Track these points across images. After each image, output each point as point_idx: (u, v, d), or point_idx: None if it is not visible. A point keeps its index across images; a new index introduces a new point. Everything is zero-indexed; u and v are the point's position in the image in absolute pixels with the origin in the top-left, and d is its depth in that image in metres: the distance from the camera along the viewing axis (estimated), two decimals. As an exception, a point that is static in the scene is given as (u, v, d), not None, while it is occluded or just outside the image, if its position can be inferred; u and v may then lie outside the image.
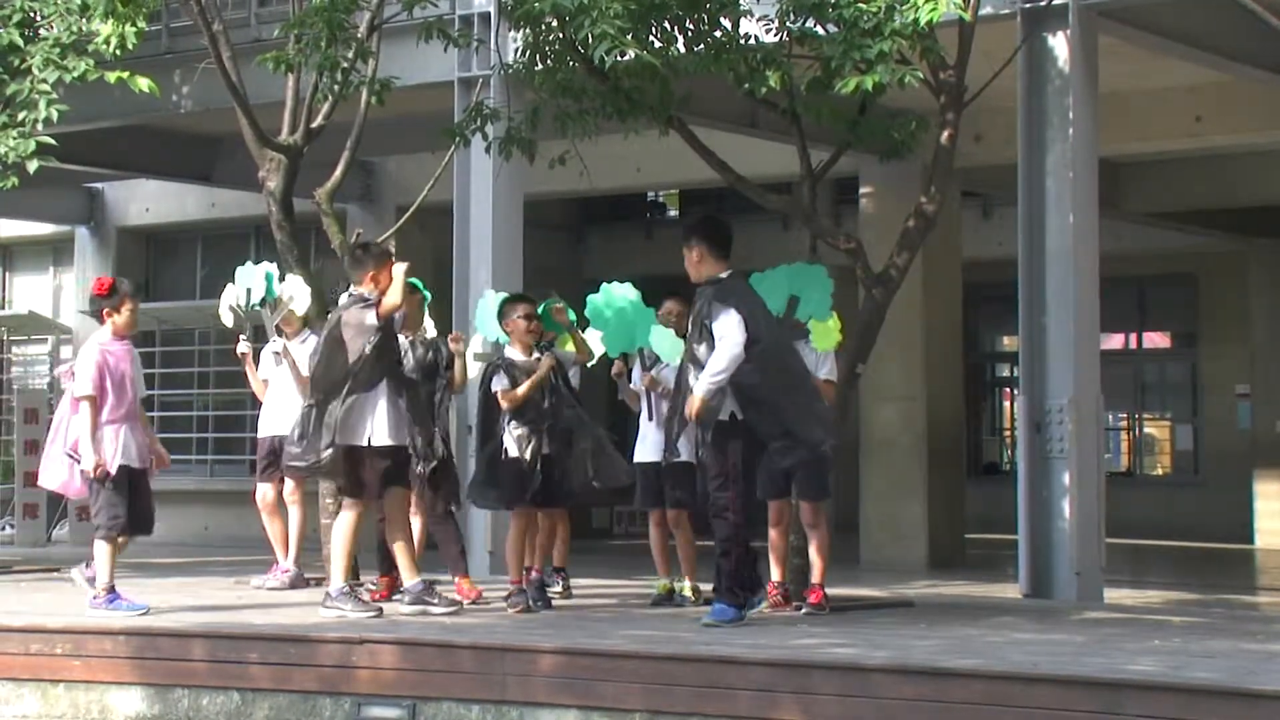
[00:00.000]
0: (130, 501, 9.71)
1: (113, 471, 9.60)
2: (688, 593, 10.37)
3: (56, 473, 10.13)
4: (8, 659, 8.88)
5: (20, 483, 18.45)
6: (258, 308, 11.76)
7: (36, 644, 8.88)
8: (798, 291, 9.92)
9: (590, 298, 10.57)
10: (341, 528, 9.68)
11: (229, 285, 11.95)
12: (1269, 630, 9.68)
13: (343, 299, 9.87)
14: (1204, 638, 8.91)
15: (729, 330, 8.97)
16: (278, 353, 11.79)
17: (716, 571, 9.34)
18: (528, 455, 9.79)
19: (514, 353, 10.07)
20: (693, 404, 9.09)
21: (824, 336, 9.90)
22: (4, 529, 18.66)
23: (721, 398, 9.06)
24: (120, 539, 9.78)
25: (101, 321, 9.82)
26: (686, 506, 10.34)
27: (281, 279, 11.78)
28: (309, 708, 8.18)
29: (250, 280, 11.84)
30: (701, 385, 9.03)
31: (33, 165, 11.67)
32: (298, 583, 11.76)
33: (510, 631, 8.72)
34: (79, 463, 9.66)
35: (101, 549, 9.65)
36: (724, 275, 9.25)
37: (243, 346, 11.91)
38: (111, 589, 9.57)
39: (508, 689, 7.81)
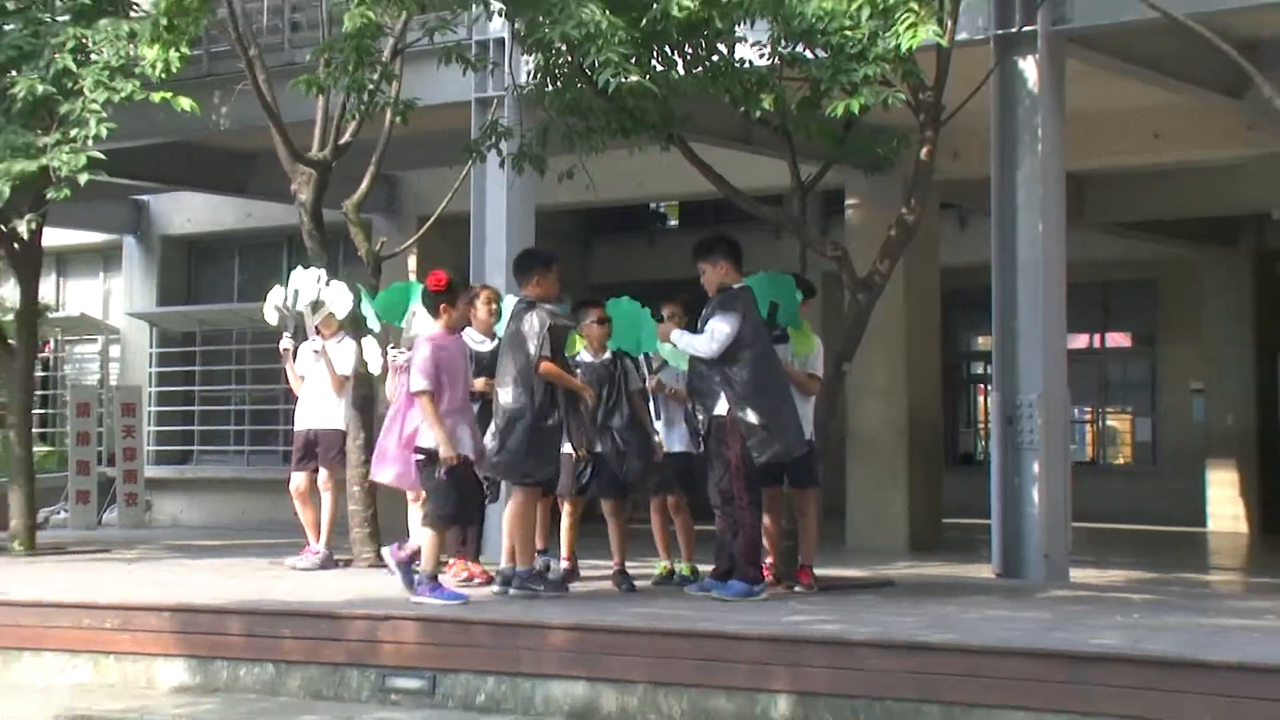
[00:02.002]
0: (461, 491, 9.26)
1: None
2: (686, 572, 10.36)
3: (392, 467, 9.78)
4: (63, 632, 8.90)
5: (73, 470, 18.46)
6: (301, 309, 11.75)
7: (88, 619, 8.90)
8: (777, 298, 9.93)
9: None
10: (527, 519, 9.48)
11: (276, 286, 11.95)
12: (1220, 606, 9.70)
13: (514, 303, 9.64)
14: (1162, 614, 8.92)
15: (718, 327, 9.24)
16: (317, 351, 11.80)
17: (718, 551, 9.47)
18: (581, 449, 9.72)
19: (586, 355, 10.02)
20: (667, 331, 9.62)
21: (801, 342, 9.92)
22: (59, 513, 18.66)
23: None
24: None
25: (437, 316, 9.35)
26: (685, 493, 10.35)
27: (328, 280, 11.79)
28: (338, 679, 8.18)
29: (300, 283, 11.83)
30: (683, 339, 9.47)
31: (83, 178, 11.65)
32: (328, 564, 11.77)
33: (523, 609, 8.70)
34: (421, 458, 9.22)
35: (429, 537, 9.21)
36: (736, 286, 9.45)
37: (285, 343, 11.92)
38: (434, 577, 9.14)
39: (521, 662, 7.81)
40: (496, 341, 10.33)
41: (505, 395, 9.39)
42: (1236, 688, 6.46)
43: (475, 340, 10.36)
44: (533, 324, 9.32)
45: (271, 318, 11.97)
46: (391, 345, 11.39)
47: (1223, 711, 6.43)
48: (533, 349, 9.27)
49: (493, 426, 9.53)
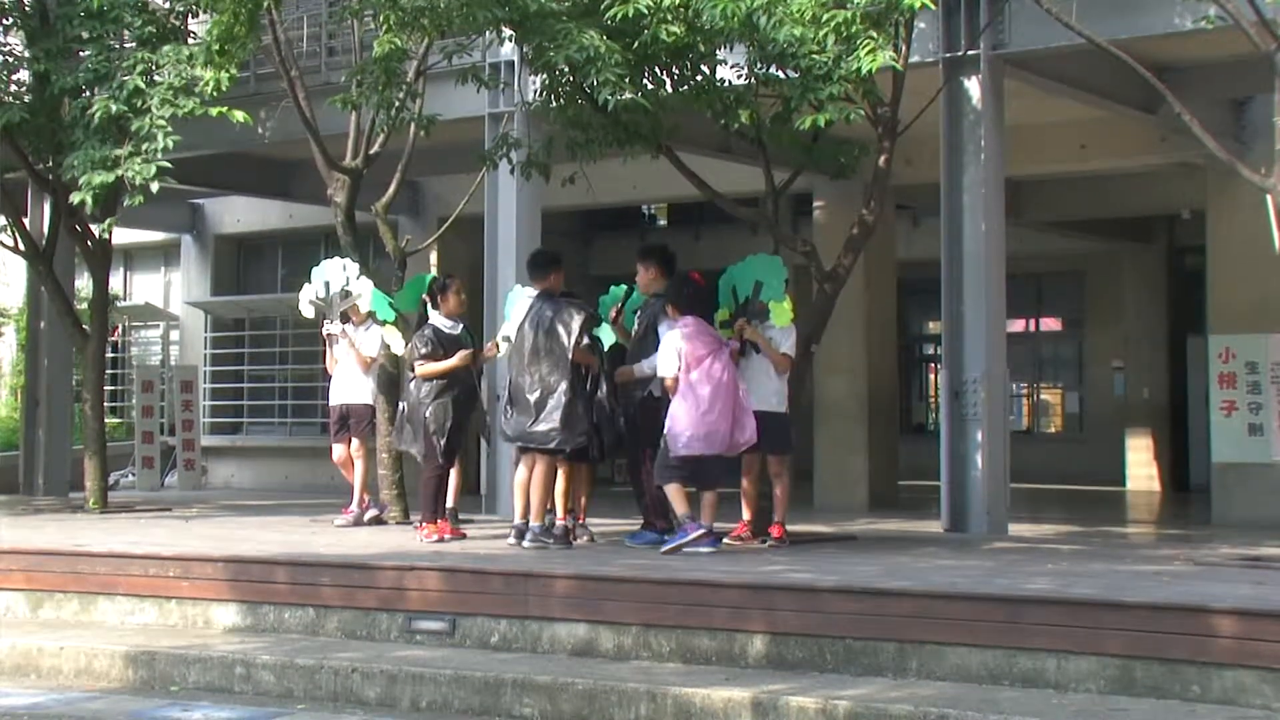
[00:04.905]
0: None
1: None
2: None
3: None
4: (132, 579, 8.90)
5: (139, 439, 18.46)
6: (337, 295, 11.71)
7: (154, 568, 8.89)
8: (762, 277, 9.93)
9: (602, 298, 10.56)
10: (548, 483, 9.55)
11: (306, 285, 11.87)
12: (1136, 555, 9.72)
13: (533, 296, 9.64)
14: (1086, 561, 8.94)
15: (669, 340, 9.35)
16: (331, 334, 11.74)
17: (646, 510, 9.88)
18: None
19: None
20: (628, 372, 9.78)
21: (781, 315, 9.89)
22: (127, 476, 18.67)
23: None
24: None
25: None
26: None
27: (360, 273, 11.75)
28: (370, 621, 8.18)
29: (327, 274, 11.79)
30: (641, 367, 9.67)
31: (155, 186, 11.56)
32: (360, 521, 11.76)
33: (532, 560, 8.70)
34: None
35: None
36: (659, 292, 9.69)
37: (332, 328, 11.82)
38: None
39: (530, 607, 7.80)
40: (461, 326, 10.34)
41: (539, 374, 9.39)
42: (1148, 624, 6.49)
43: (445, 325, 10.32)
44: (572, 317, 9.40)
45: (307, 311, 11.93)
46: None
47: (1137, 644, 6.46)
48: (572, 338, 9.33)
49: (509, 399, 9.56)
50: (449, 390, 10.13)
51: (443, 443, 10.13)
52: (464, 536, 10.25)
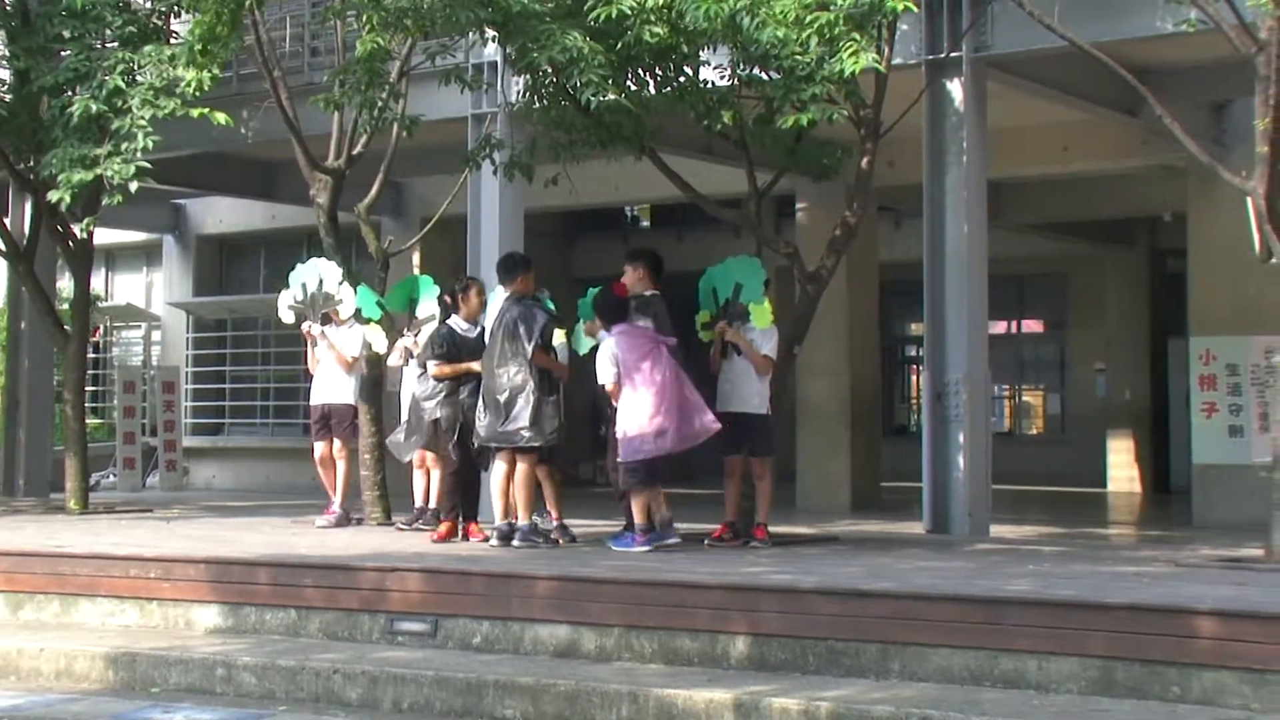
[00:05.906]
0: None
1: None
2: None
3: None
4: (113, 581, 8.85)
5: (121, 440, 18.40)
6: (317, 293, 11.68)
7: (135, 569, 8.85)
8: (742, 279, 9.94)
9: (581, 301, 10.56)
10: (530, 482, 9.64)
11: (283, 291, 11.85)
12: (1117, 556, 9.74)
13: (504, 298, 9.74)
14: (1067, 563, 8.95)
15: (604, 348, 9.50)
16: (308, 332, 11.72)
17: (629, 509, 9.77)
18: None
19: None
20: (594, 328, 9.89)
21: (761, 316, 9.90)
22: (108, 477, 18.60)
23: None
24: None
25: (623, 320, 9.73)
26: None
27: (342, 280, 11.71)
28: (352, 623, 8.15)
29: (304, 277, 11.77)
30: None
31: (133, 186, 11.55)
32: (343, 522, 11.73)
33: (514, 561, 8.69)
34: None
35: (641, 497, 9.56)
36: (649, 294, 9.67)
37: (314, 329, 11.79)
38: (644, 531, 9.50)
39: (512, 608, 7.79)
40: (480, 328, 10.37)
41: (506, 375, 9.45)
42: (1129, 625, 6.51)
43: (462, 327, 10.37)
44: (535, 320, 9.50)
45: (287, 317, 11.90)
46: (409, 331, 11.34)
47: (1117, 645, 6.47)
48: (532, 340, 9.44)
49: (481, 402, 9.59)
50: (460, 391, 10.20)
51: (453, 440, 10.19)
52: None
